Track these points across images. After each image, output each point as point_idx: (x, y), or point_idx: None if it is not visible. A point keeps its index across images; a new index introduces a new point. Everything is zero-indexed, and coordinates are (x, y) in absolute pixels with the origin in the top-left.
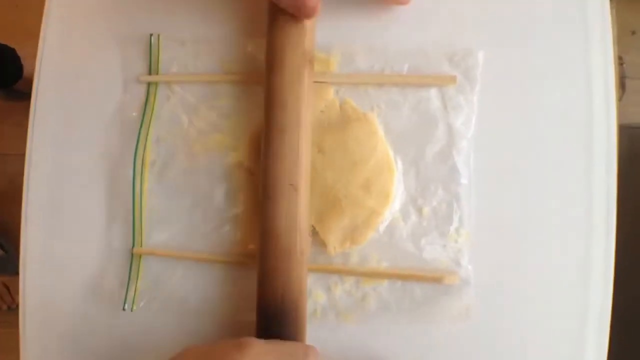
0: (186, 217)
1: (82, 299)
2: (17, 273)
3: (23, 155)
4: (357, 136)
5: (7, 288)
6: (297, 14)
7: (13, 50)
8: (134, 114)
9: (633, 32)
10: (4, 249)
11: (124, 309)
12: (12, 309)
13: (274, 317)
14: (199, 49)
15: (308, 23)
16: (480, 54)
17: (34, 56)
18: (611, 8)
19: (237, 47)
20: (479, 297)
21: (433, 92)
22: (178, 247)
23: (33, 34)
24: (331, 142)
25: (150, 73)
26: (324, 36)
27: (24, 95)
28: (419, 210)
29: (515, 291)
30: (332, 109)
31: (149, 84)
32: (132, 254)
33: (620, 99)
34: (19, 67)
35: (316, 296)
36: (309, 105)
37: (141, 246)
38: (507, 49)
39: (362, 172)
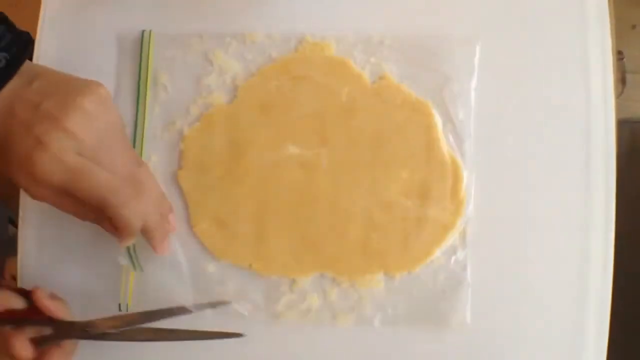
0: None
1: (79, 299)
2: None
3: None
4: (403, 127)
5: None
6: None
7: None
8: (127, 112)
9: (633, 26)
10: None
11: (119, 310)
12: None
13: None
14: (190, 44)
15: None
16: (477, 46)
17: None
18: (610, 1)
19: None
20: (476, 295)
21: (430, 84)
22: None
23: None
24: (353, 136)
25: (140, 69)
26: (319, 24)
27: None
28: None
29: (513, 288)
30: (360, 90)
31: (139, 82)
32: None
33: (620, 93)
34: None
35: (311, 298)
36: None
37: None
38: (504, 42)
39: (412, 175)
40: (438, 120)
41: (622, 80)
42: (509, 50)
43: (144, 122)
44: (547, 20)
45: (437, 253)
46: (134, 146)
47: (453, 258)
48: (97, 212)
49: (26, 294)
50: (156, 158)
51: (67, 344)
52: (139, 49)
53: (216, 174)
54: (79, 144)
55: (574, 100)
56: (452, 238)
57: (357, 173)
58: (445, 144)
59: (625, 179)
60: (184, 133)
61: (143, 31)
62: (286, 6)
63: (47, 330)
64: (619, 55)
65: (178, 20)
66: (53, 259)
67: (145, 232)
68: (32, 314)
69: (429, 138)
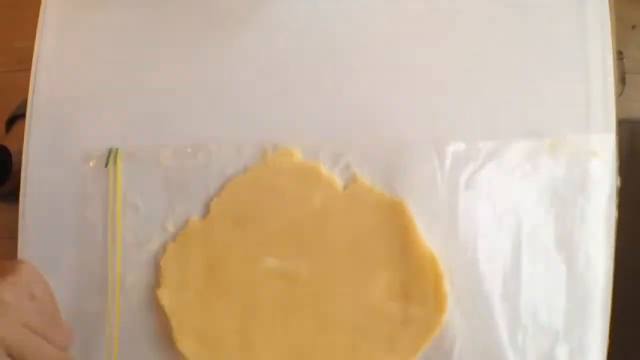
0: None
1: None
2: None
3: None
4: (379, 229)
5: None
6: None
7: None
8: (100, 233)
9: (633, 27)
10: None
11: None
12: None
13: None
14: (158, 159)
15: None
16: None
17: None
18: (610, 1)
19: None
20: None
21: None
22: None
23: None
24: (330, 242)
25: (108, 188)
26: (284, 131)
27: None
28: None
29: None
30: (332, 196)
31: (108, 202)
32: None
33: (620, 93)
34: (7, 167)
35: None
36: None
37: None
38: (503, 43)
39: (393, 276)
40: (414, 217)
41: (622, 80)
42: (508, 51)
43: (118, 243)
44: (547, 20)
45: (423, 349)
46: (109, 266)
47: (439, 352)
48: None
49: None
50: (133, 278)
51: None
52: (107, 168)
53: (197, 291)
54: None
55: (573, 100)
56: (437, 333)
57: (338, 280)
58: (423, 240)
59: (625, 179)
60: (160, 251)
61: (110, 149)
62: (250, 116)
63: None
64: (619, 55)
65: (145, 135)
66: (53, 258)
67: None
68: None
69: (406, 237)
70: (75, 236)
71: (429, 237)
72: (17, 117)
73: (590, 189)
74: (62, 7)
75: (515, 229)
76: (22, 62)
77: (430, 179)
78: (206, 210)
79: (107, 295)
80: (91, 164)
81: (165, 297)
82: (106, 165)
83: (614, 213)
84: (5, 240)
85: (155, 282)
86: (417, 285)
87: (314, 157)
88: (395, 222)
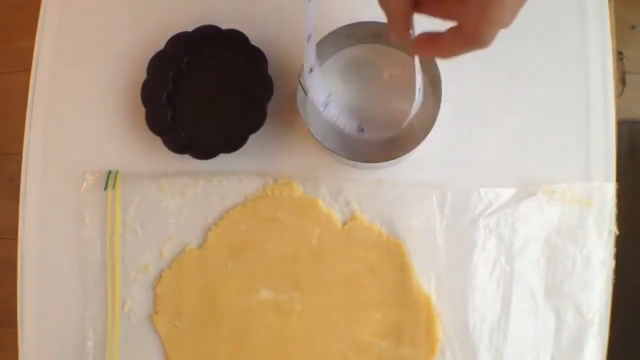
0: None
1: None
2: None
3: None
4: (376, 267)
5: None
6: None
7: None
8: (98, 256)
9: (633, 27)
10: None
11: None
12: None
13: None
14: (158, 184)
15: None
16: (448, 193)
17: None
18: (610, 2)
19: None
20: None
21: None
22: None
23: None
24: (325, 278)
25: (107, 211)
26: (286, 164)
27: None
28: None
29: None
30: (331, 232)
31: (107, 225)
32: None
33: (620, 93)
34: None
35: None
36: None
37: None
38: (503, 43)
39: (386, 316)
40: (411, 258)
41: (622, 80)
42: (508, 51)
43: (116, 266)
44: (547, 20)
45: None
46: (108, 290)
47: None
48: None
49: None
50: (131, 302)
51: None
52: (106, 191)
53: (191, 319)
54: None
55: (574, 100)
56: None
57: (331, 316)
58: (419, 282)
59: (625, 178)
60: (157, 277)
61: (109, 172)
62: (253, 147)
63: None
64: (619, 55)
65: (145, 159)
66: (53, 277)
67: None
68: None
69: (402, 278)
70: (75, 255)
71: (422, 279)
72: None
73: (584, 238)
74: (62, 7)
75: (507, 279)
76: (22, 62)
77: (429, 222)
78: (204, 239)
79: (107, 318)
80: (85, 186)
81: (161, 323)
82: (105, 188)
83: (611, 262)
84: (5, 240)
85: (153, 307)
86: (410, 326)
87: (314, 192)
88: (392, 262)
